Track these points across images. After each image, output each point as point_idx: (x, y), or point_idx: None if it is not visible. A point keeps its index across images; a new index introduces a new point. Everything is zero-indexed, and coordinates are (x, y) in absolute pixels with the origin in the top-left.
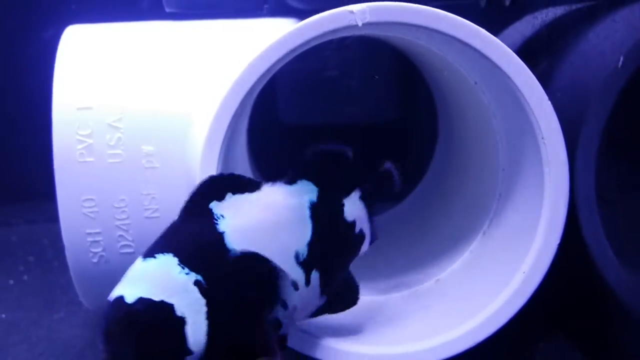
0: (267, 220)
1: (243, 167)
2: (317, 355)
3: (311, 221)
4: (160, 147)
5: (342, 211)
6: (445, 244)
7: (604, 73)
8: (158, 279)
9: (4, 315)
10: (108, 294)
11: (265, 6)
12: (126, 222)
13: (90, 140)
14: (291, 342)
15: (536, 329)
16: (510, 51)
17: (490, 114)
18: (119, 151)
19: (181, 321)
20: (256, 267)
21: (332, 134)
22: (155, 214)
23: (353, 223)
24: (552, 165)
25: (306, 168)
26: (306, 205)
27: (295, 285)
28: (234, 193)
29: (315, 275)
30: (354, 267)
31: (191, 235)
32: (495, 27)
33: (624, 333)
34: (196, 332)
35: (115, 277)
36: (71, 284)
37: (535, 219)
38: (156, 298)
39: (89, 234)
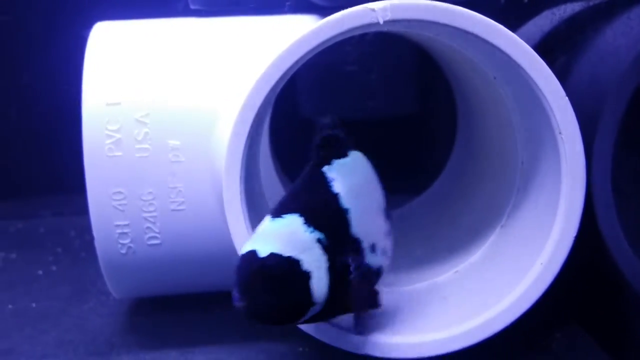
0: (361, 181)
1: (265, 161)
2: (337, 344)
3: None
4: (186, 142)
5: None
6: (464, 236)
7: (620, 68)
8: (286, 237)
9: (34, 305)
10: (136, 285)
11: (288, 3)
12: (153, 214)
13: (118, 135)
14: (317, 334)
15: (553, 320)
16: (529, 47)
17: (509, 109)
18: (146, 145)
19: (307, 275)
20: None
21: (351, 128)
22: (181, 207)
23: None
24: (569, 159)
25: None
26: None
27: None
28: (337, 157)
29: None
30: None
31: (312, 197)
32: (514, 23)
33: (636, 320)
34: (319, 286)
35: (142, 268)
36: (99, 275)
37: (552, 212)
38: (285, 254)
39: (118, 225)
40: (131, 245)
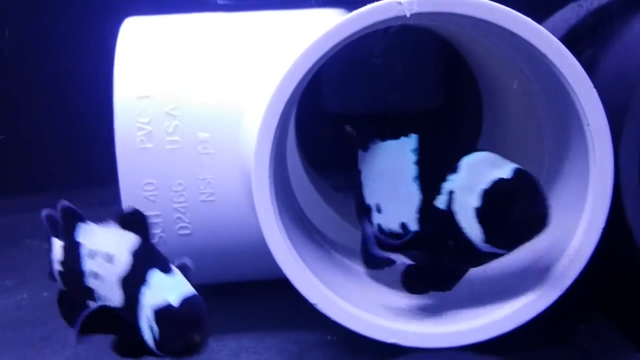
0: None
1: (292, 153)
2: (365, 332)
3: None
4: (215, 134)
5: None
6: None
7: None
8: None
9: None
10: None
11: None
12: (184, 205)
13: (149, 128)
14: (345, 322)
15: (579, 311)
16: (556, 39)
17: (535, 101)
18: (176, 138)
19: None
20: None
21: (376, 121)
22: (210, 198)
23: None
24: (597, 151)
25: None
26: None
27: None
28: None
29: None
30: None
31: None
32: (540, 15)
33: None
34: None
35: (173, 257)
36: None
37: (579, 205)
38: None
39: (149, 216)
40: (162, 235)
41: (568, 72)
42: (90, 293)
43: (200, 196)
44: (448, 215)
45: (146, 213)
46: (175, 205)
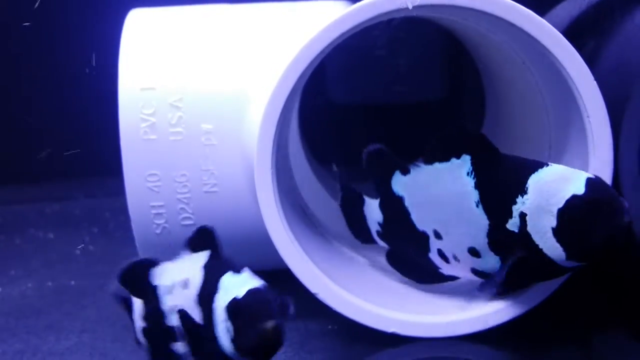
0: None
1: (295, 144)
2: (365, 322)
3: None
4: (218, 126)
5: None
6: None
7: None
8: None
9: (73, 282)
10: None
11: None
12: (187, 195)
13: (153, 119)
14: (346, 312)
15: (579, 303)
16: (557, 32)
17: (537, 93)
18: (179, 129)
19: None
20: None
21: (381, 113)
22: (213, 189)
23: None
24: (597, 143)
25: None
26: None
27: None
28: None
29: None
30: None
31: None
32: (543, 7)
33: None
34: None
35: (176, 246)
36: (135, 254)
37: None
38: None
39: (153, 206)
40: (166, 225)
41: (569, 65)
42: (173, 334)
43: (203, 187)
44: (523, 237)
45: (150, 204)
46: (179, 196)
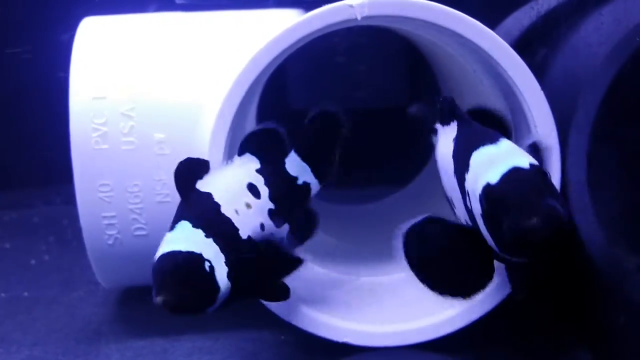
0: (237, 188)
1: None
2: (316, 332)
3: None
4: (171, 135)
5: (284, 170)
6: None
7: (593, 64)
8: (181, 239)
9: (26, 294)
10: (123, 275)
11: None
12: (139, 206)
13: (105, 129)
14: (297, 322)
15: (531, 306)
16: (503, 42)
17: (488, 101)
18: (132, 139)
19: (210, 265)
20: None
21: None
22: (166, 199)
23: (295, 177)
24: (544, 152)
25: (247, 145)
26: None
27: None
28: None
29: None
30: (358, 248)
31: (197, 208)
32: (495, 18)
33: (612, 313)
34: (220, 274)
35: (129, 258)
36: (89, 264)
37: None
38: (186, 250)
39: (105, 217)
40: (118, 236)
41: (516, 75)
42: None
43: (156, 197)
44: (475, 217)
45: (102, 214)
46: (131, 206)
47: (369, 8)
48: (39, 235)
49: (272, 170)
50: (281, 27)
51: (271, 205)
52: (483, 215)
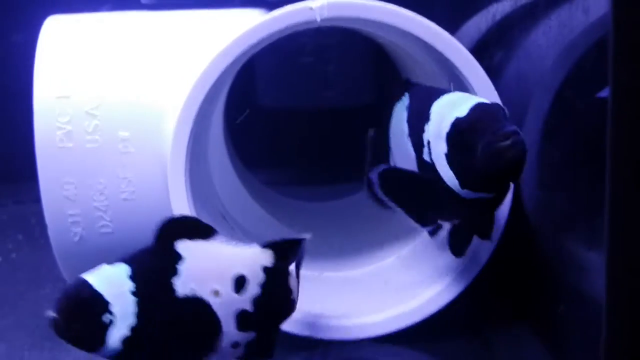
0: (221, 270)
1: (219, 151)
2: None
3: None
4: (135, 133)
5: (287, 279)
6: (407, 224)
7: (543, 67)
8: (108, 279)
9: None
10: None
11: None
12: (104, 203)
13: (69, 127)
14: None
15: (486, 302)
16: (459, 44)
17: None
18: (96, 137)
19: (110, 319)
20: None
21: (309, 117)
22: (131, 197)
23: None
24: None
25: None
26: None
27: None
28: (192, 237)
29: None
30: (323, 245)
31: (151, 263)
32: (455, 22)
33: (565, 307)
34: (116, 334)
35: (95, 255)
36: (56, 262)
37: None
38: (97, 288)
39: (70, 215)
40: (83, 233)
41: (471, 76)
42: None
43: (121, 195)
44: (433, 166)
45: (67, 212)
46: (96, 204)
47: (328, 10)
48: (7, 233)
49: (278, 276)
50: (242, 28)
51: (248, 307)
52: (448, 154)
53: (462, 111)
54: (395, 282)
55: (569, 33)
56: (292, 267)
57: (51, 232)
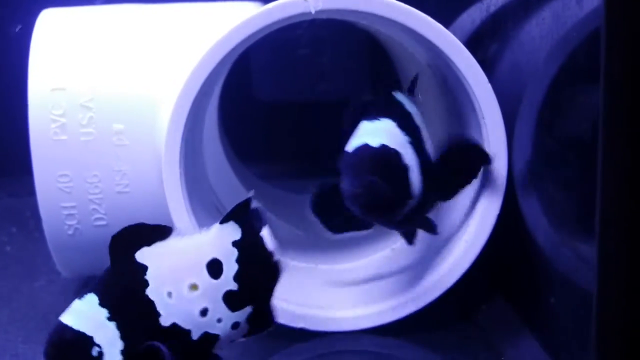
0: (190, 265)
1: (214, 144)
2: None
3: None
4: (130, 126)
5: (263, 246)
6: None
7: (537, 58)
8: (81, 314)
9: None
10: (83, 264)
11: None
12: (99, 196)
13: (63, 120)
14: None
15: (479, 293)
16: (453, 37)
17: (440, 94)
18: (90, 129)
19: (99, 351)
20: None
21: (304, 110)
22: (126, 189)
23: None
24: (492, 143)
25: (233, 213)
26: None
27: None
28: (148, 243)
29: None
30: (318, 237)
31: (116, 283)
32: (449, 14)
33: (557, 298)
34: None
35: (89, 247)
36: (50, 254)
37: (477, 192)
38: (77, 328)
39: (65, 207)
40: (78, 226)
41: (464, 68)
42: None
43: (115, 187)
44: None
45: (61, 205)
46: (91, 197)
47: (323, 2)
48: (1, 226)
49: (251, 244)
50: (237, 20)
51: (232, 287)
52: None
53: (351, 147)
54: (389, 274)
55: (562, 25)
56: (264, 230)
57: (46, 224)
